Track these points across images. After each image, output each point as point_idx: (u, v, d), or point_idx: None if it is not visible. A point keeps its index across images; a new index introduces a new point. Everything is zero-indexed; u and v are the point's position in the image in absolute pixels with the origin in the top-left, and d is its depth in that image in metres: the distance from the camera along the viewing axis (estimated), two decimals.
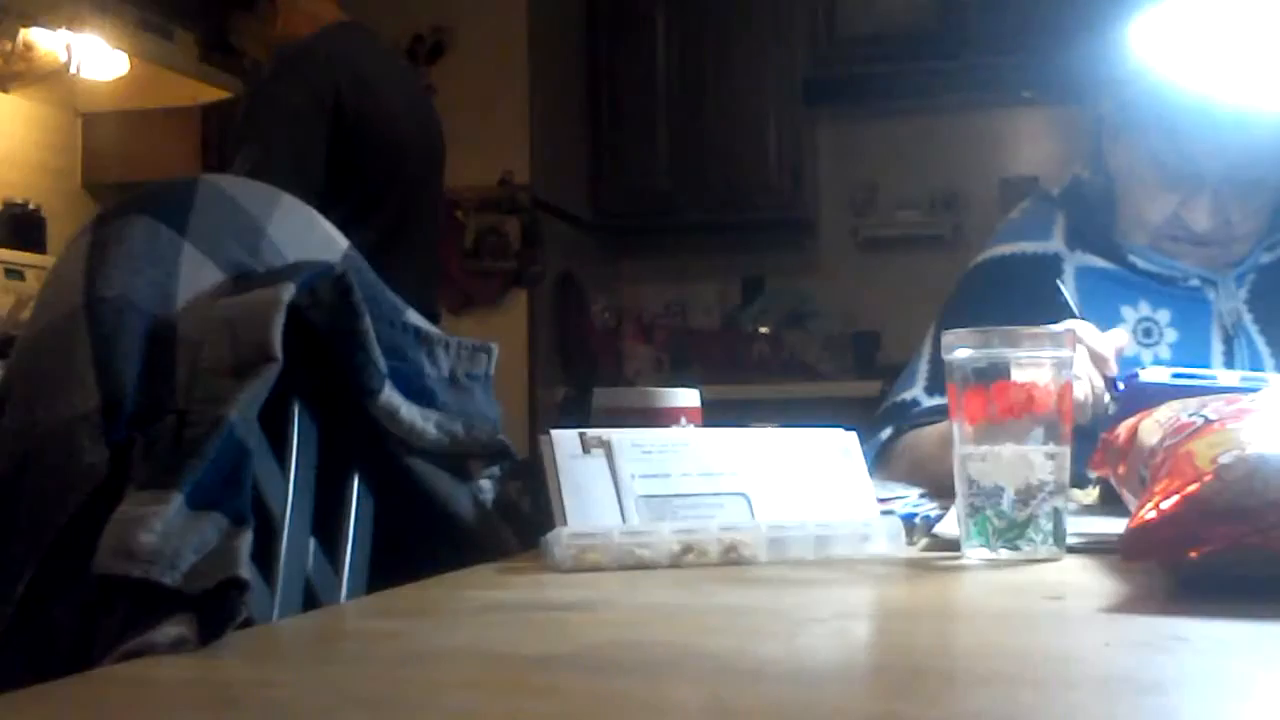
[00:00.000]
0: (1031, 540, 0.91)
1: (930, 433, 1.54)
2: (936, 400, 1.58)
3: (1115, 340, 1.36)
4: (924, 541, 1.03)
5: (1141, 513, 0.76)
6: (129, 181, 3.58)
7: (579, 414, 1.33)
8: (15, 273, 3.42)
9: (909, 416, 1.60)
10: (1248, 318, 1.59)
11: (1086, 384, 1.30)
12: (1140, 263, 1.61)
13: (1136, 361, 1.51)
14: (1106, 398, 1.32)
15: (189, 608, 0.68)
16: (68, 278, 0.91)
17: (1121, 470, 1.01)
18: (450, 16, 4.33)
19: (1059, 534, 0.92)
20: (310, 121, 2.49)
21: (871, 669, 0.64)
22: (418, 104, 2.85)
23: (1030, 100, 4.60)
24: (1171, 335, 1.58)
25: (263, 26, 2.71)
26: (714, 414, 1.19)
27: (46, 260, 3.41)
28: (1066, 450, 0.93)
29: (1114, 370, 1.33)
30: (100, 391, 0.85)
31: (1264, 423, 0.79)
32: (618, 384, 4.26)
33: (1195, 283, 1.59)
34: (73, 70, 3.49)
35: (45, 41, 3.52)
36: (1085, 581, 0.85)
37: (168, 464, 0.79)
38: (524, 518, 1.08)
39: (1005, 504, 0.91)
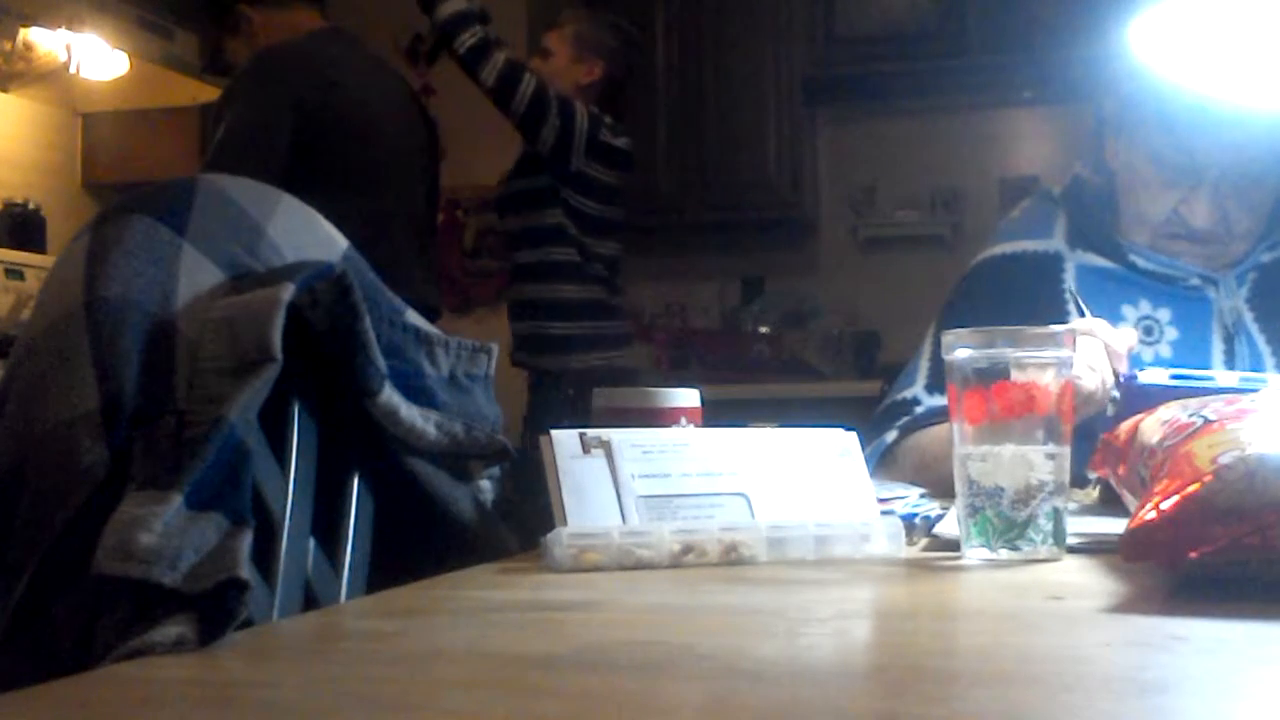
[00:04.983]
0: (1031, 540, 0.91)
1: (935, 433, 1.53)
2: (937, 399, 1.57)
3: (1128, 339, 1.38)
4: (924, 542, 1.03)
5: (1141, 513, 0.76)
6: (129, 181, 3.59)
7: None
8: (15, 273, 3.42)
9: (911, 416, 1.60)
10: (1248, 316, 1.59)
11: (1098, 376, 1.32)
12: (1141, 262, 1.61)
13: (1137, 360, 1.51)
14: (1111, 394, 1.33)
15: (189, 608, 0.68)
16: (67, 278, 0.91)
17: (1121, 470, 1.01)
18: None
19: (1059, 534, 0.92)
20: (261, 121, 2.64)
21: (871, 669, 0.64)
22: (402, 105, 2.92)
23: (1030, 100, 4.60)
24: (1172, 334, 1.58)
25: (246, 44, 2.83)
26: (714, 414, 1.19)
27: (46, 260, 3.42)
28: (1066, 450, 0.93)
29: (1124, 367, 1.35)
30: (100, 391, 0.85)
31: (1264, 423, 0.79)
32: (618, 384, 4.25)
33: (1196, 282, 1.59)
34: (72, 70, 3.50)
35: (45, 41, 3.52)
36: (1085, 581, 0.85)
37: (167, 464, 0.79)
38: (524, 518, 1.08)
39: (1005, 504, 0.91)
